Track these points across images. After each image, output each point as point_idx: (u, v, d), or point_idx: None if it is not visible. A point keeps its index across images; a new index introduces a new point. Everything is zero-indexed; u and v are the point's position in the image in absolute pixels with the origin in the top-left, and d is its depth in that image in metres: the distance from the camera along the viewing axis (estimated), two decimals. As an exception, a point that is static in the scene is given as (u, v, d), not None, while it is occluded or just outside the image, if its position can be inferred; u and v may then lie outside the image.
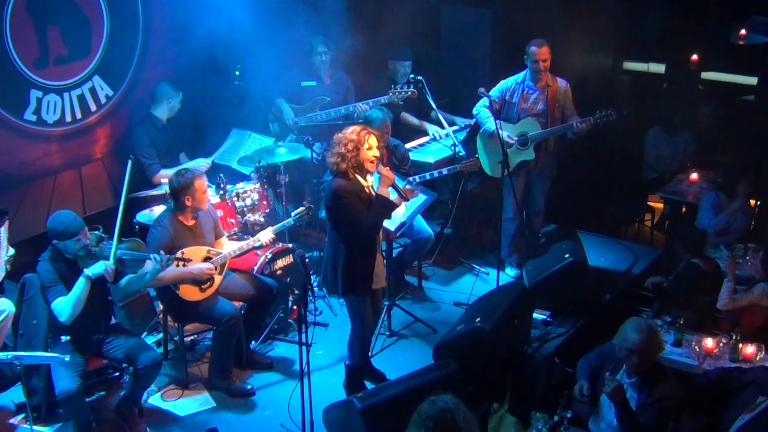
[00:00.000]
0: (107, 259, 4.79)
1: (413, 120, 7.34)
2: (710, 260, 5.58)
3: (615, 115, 6.33)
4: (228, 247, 5.46)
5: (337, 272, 5.00)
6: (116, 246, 4.85)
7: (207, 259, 5.29)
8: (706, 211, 6.70)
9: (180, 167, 5.77)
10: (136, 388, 4.97)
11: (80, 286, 4.71)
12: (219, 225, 5.56)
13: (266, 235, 5.43)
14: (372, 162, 4.90)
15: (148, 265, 4.87)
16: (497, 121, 6.11)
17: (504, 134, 6.27)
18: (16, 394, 5.24)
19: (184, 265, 5.06)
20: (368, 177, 5.01)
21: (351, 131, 4.90)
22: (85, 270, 4.71)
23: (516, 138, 6.43)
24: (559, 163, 6.82)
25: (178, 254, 5.04)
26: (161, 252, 4.84)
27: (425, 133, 7.28)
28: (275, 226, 5.52)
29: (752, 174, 6.56)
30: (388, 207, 4.95)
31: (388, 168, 5.09)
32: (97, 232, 4.97)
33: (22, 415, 5.12)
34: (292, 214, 5.35)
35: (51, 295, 4.76)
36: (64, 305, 4.72)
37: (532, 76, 6.43)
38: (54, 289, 4.76)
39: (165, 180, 6.02)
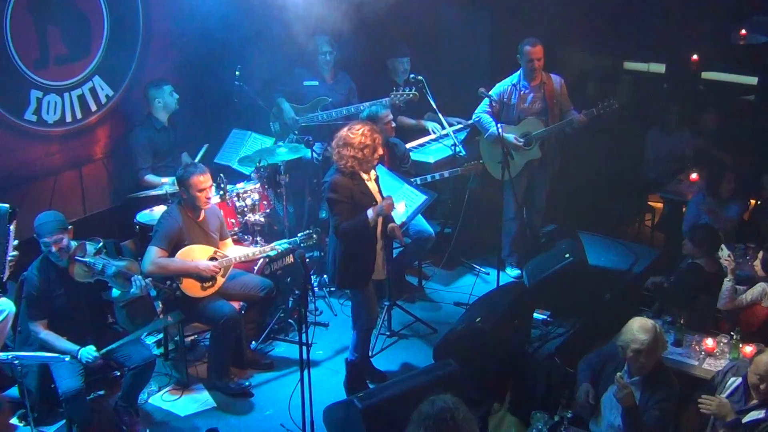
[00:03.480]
0: (96, 269, 4.82)
1: (410, 121, 7.32)
2: (714, 261, 5.58)
3: (617, 104, 6.34)
4: (234, 251, 5.48)
5: (337, 266, 5.11)
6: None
7: (213, 259, 5.32)
8: (692, 211, 6.64)
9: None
10: (131, 388, 4.97)
11: (64, 347, 4.78)
12: (225, 226, 5.60)
13: (273, 250, 5.49)
14: (376, 160, 5.10)
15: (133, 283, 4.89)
16: (498, 124, 6.11)
17: (510, 137, 6.28)
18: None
19: (173, 295, 5.11)
20: (372, 172, 5.15)
21: (361, 133, 4.99)
22: (81, 351, 4.76)
23: (521, 139, 6.43)
24: (561, 161, 6.81)
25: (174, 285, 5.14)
26: (147, 280, 4.91)
27: (424, 132, 7.27)
28: (283, 242, 5.56)
29: (732, 172, 6.50)
30: (364, 228, 5.00)
31: (391, 202, 5.11)
32: (97, 244, 4.97)
33: (21, 411, 5.12)
34: (298, 234, 5.42)
35: (29, 316, 4.86)
36: (41, 336, 4.83)
37: (526, 75, 6.41)
38: (33, 311, 4.84)
39: (165, 180, 6.04)
